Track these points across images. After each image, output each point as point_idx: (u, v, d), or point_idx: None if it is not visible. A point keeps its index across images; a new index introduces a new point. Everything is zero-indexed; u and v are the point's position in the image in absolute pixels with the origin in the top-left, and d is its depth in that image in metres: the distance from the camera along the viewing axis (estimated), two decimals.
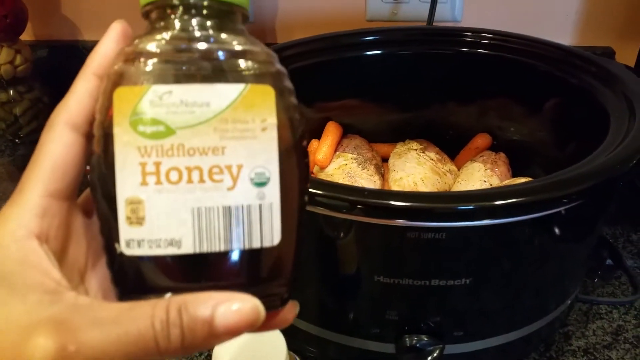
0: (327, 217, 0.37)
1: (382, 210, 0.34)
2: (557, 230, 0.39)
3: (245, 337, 0.34)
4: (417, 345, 0.41)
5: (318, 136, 0.58)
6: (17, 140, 0.87)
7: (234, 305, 0.20)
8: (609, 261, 0.57)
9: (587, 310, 0.52)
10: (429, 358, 0.42)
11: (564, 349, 0.49)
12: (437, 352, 0.41)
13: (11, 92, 0.84)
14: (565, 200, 0.35)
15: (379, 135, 0.60)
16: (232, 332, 0.20)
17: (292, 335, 0.46)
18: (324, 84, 0.56)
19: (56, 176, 0.22)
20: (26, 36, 0.87)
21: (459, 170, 0.56)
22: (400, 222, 0.35)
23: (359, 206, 0.34)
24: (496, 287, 0.40)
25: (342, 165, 0.54)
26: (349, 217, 0.36)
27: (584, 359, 0.48)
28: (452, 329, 0.41)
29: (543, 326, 0.45)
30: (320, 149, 0.56)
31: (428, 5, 0.69)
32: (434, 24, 0.72)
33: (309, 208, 0.36)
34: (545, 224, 0.37)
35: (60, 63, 0.90)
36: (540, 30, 0.76)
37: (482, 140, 0.57)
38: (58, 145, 0.23)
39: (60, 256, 0.22)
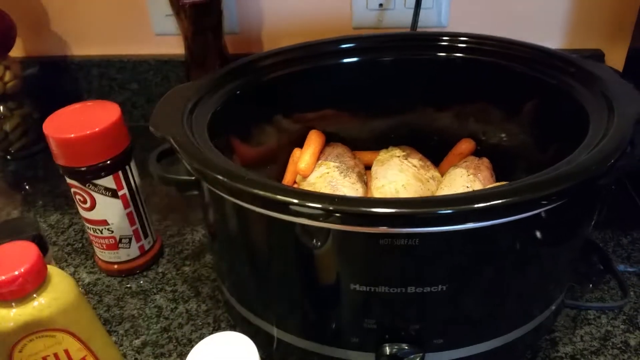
0: (301, 225, 0.36)
1: (352, 217, 0.34)
2: (538, 234, 0.38)
3: (217, 350, 0.34)
4: (398, 354, 0.41)
5: (300, 145, 0.58)
6: (7, 157, 0.87)
7: None
8: (599, 266, 0.57)
9: (575, 315, 0.52)
10: None
11: (551, 355, 0.48)
12: None
13: (1, 108, 0.84)
14: (542, 202, 0.35)
15: (363, 143, 0.60)
16: None
17: (275, 348, 0.46)
18: (304, 92, 0.55)
19: None
20: (16, 52, 0.88)
21: (442, 176, 0.55)
22: (372, 229, 0.34)
23: (329, 213, 0.34)
24: (475, 293, 0.39)
25: (324, 173, 0.54)
26: (321, 224, 0.35)
27: None
28: (432, 336, 0.40)
29: (527, 332, 0.44)
30: (303, 158, 0.55)
31: (412, 12, 0.69)
32: (420, 29, 0.72)
33: (285, 218, 0.36)
34: (524, 227, 0.37)
35: (50, 79, 0.91)
36: (528, 33, 0.75)
37: (465, 145, 0.56)
38: None
39: None
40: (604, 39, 0.77)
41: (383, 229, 0.34)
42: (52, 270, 0.39)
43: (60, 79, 0.91)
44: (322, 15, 0.79)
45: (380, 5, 0.75)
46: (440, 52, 0.53)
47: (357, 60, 0.54)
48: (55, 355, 0.38)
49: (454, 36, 0.52)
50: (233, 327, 0.53)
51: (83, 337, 0.39)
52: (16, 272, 0.36)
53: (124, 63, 0.87)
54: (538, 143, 0.51)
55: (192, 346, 0.52)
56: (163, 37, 0.86)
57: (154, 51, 0.87)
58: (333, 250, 0.37)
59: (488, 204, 0.33)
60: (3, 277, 0.35)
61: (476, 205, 0.32)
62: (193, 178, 0.45)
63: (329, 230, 0.36)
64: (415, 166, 0.53)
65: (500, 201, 0.33)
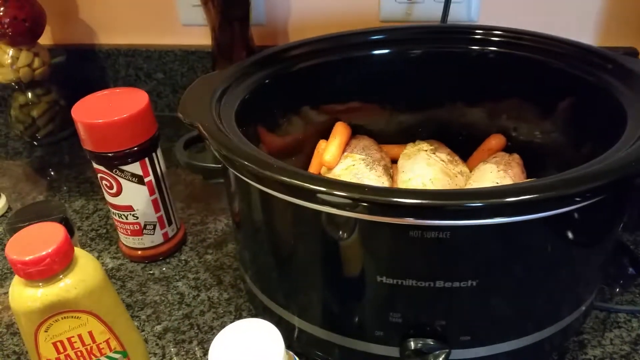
0: (329, 215, 0.36)
1: (381, 207, 0.33)
2: (568, 232, 0.37)
3: (241, 337, 0.34)
4: (422, 349, 0.40)
5: (326, 136, 0.57)
6: (34, 142, 0.88)
7: None
8: (630, 269, 0.55)
9: (605, 318, 0.50)
10: None
11: (578, 357, 0.47)
12: (443, 356, 0.40)
13: (29, 94, 0.85)
14: (576, 199, 0.34)
15: (389, 136, 0.59)
16: None
17: (297, 338, 0.45)
18: (332, 83, 0.55)
19: None
20: (45, 40, 0.88)
21: (471, 172, 0.54)
22: (401, 220, 0.34)
23: (358, 203, 0.33)
24: (504, 290, 0.38)
25: (349, 166, 0.53)
26: (350, 214, 0.35)
27: None
28: (459, 333, 0.40)
29: (555, 333, 0.43)
30: (328, 150, 0.55)
31: (442, 5, 0.68)
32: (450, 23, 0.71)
33: (312, 206, 0.35)
34: (555, 224, 0.36)
35: (77, 67, 0.92)
36: (560, 30, 0.73)
37: (495, 141, 0.55)
38: None
39: None
40: (638, 36, 0.75)
41: (413, 221, 0.33)
42: (79, 252, 0.39)
43: (88, 67, 0.91)
44: (349, 7, 0.78)
45: None
46: (473, 46, 0.52)
47: (387, 52, 0.53)
48: (79, 336, 0.39)
49: (488, 30, 0.51)
50: (255, 316, 0.53)
51: (107, 320, 0.39)
52: (44, 252, 0.36)
53: (151, 53, 0.87)
54: (572, 141, 0.50)
55: (214, 334, 0.52)
56: (190, 28, 0.86)
57: (181, 41, 0.87)
58: (361, 241, 0.36)
59: (521, 198, 0.32)
60: (31, 257, 0.35)
61: (509, 199, 0.32)
62: (219, 166, 0.45)
63: (357, 220, 0.35)
64: (443, 160, 0.52)
65: (532, 196, 0.32)
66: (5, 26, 0.79)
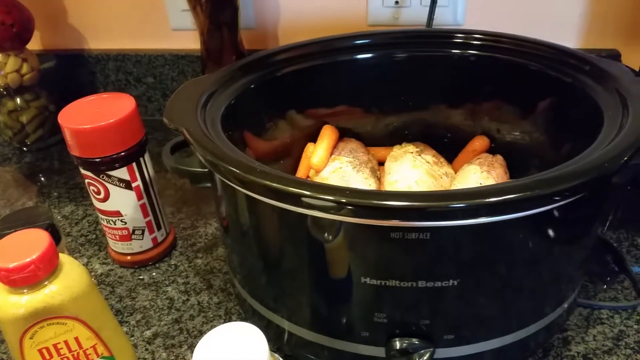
0: (313, 218, 0.37)
1: (362, 210, 0.34)
2: (549, 230, 0.38)
3: (226, 340, 0.34)
4: (407, 348, 0.41)
5: (314, 140, 0.58)
6: (24, 148, 0.88)
7: None
8: (613, 266, 0.56)
9: (588, 315, 0.51)
10: None
11: (562, 354, 0.48)
12: (427, 355, 0.41)
13: (18, 100, 0.85)
14: (554, 198, 0.35)
15: (377, 139, 0.60)
16: None
17: (286, 341, 0.46)
18: (318, 88, 0.56)
19: None
20: (34, 45, 0.89)
21: (456, 173, 0.55)
22: (383, 222, 0.34)
23: (340, 206, 0.34)
24: (486, 289, 0.39)
25: (337, 168, 0.54)
26: (333, 217, 0.35)
27: None
28: (443, 332, 0.40)
29: (539, 330, 0.44)
30: (316, 153, 0.55)
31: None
32: (436, 27, 0.71)
33: (297, 210, 0.36)
34: (535, 223, 0.36)
35: (66, 72, 0.92)
36: (544, 33, 0.75)
37: (479, 142, 0.56)
38: None
39: None
40: (620, 38, 0.76)
41: (395, 222, 0.34)
42: (64, 258, 0.40)
43: (77, 72, 0.92)
44: (338, 12, 0.79)
45: (396, 2, 0.75)
46: (454, 49, 0.52)
47: (371, 56, 0.54)
48: (66, 342, 0.39)
49: (469, 33, 0.52)
50: (244, 320, 0.53)
51: (94, 326, 0.40)
52: (28, 259, 0.36)
53: (140, 57, 0.87)
54: (552, 141, 0.51)
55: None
56: (179, 32, 0.86)
57: (170, 46, 0.87)
58: (345, 243, 0.37)
59: (500, 198, 0.33)
60: (15, 264, 0.36)
61: (488, 200, 0.32)
62: (206, 170, 0.46)
63: (340, 223, 0.36)
64: (428, 162, 0.53)
65: (512, 196, 0.33)
66: None
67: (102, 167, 0.54)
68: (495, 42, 0.51)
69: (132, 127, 0.54)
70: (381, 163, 0.58)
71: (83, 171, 0.56)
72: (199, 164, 0.47)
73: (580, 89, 0.46)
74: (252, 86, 0.50)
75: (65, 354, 0.39)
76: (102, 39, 0.90)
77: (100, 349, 0.41)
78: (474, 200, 0.32)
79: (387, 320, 0.40)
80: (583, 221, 0.40)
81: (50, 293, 0.37)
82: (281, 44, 0.84)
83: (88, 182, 0.56)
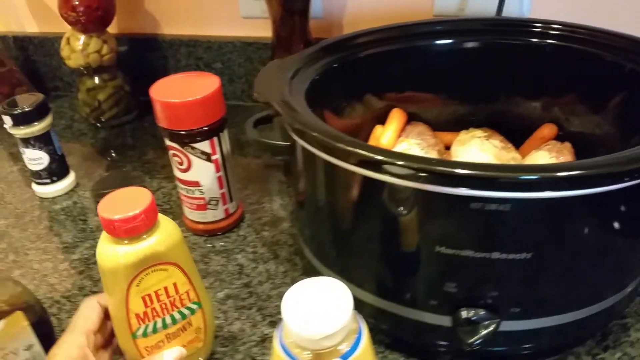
0: (397, 187, 0.39)
1: (448, 179, 0.36)
2: (621, 211, 0.39)
3: (313, 292, 0.36)
4: (474, 318, 0.43)
5: (382, 122, 0.60)
6: (98, 125, 0.94)
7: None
8: None
9: None
10: (484, 332, 0.43)
11: (621, 339, 0.49)
12: (493, 326, 0.43)
13: (96, 79, 0.91)
14: (627, 178, 0.36)
15: (442, 124, 0.62)
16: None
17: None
18: (393, 71, 0.58)
19: (93, 323, 0.44)
20: (112, 29, 0.94)
21: (522, 159, 0.56)
22: (465, 191, 0.36)
23: (425, 174, 0.36)
24: (555, 265, 0.40)
25: (405, 150, 0.56)
26: (416, 185, 0.37)
27: None
28: (510, 304, 0.42)
29: (599, 312, 0.45)
30: (385, 134, 0.58)
31: (495, 0, 0.70)
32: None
33: (380, 178, 0.38)
34: (608, 202, 0.38)
35: (140, 55, 0.97)
36: (613, 24, 0.74)
37: (547, 130, 0.57)
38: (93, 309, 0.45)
39: None
40: None
41: (476, 193, 0.36)
42: (159, 215, 0.44)
43: (150, 56, 0.97)
44: (404, 2, 0.81)
45: None
46: (532, 39, 0.54)
47: (449, 42, 0.56)
48: (165, 289, 0.43)
49: (547, 23, 0.53)
50: None
51: (188, 271, 0.44)
52: (138, 211, 0.40)
53: (211, 43, 0.92)
54: (622, 132, 0.52)
55: (272, 302, 0.56)
56: (248, 20, 0.90)
57: (239, 33, 0.91)
58: (424, 212, 0.39)
59: (583, 172, 0.35)
60: (130, 214, 0.39)
61: (573, 172, 0.34)
62: (287, 143, 0.49)
63: (422, 192, 0.38)
64: (496, 147, 0.55)
65: (586, 171, 0.35)
66: (80, 14, 0.85)
67: (186, 139, 0.58)
68: (572, 32, 0.52)
69: (216, 103, 0.58)
70: (447, 148, 0.60)
71: (169, 142, 0.60)
72: (281, 137, 0.50)
73: None
74: (335, 66, 0.53)
75: (163, 300, 0.43)
76: (175, 25, 0.95)
77: (192, 294, 0.45)
78: (557, 173, 0.34)
79: (457, 289, 0.42)
80: None
81: (156, 241, 0.41)
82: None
83: (172, 154, 0.60)
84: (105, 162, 0.84)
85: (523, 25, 0.55)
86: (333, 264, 0.49)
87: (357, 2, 0.84)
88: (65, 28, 0.90)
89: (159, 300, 0.43)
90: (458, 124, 0.61)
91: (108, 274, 0.42)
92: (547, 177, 0.34)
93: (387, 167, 0.38)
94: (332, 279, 0.38)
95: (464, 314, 0.43)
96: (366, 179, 0.40)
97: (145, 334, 0.44)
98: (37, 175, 0.75)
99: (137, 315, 0.43)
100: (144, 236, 0.41)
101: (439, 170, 0.36)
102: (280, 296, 0.56)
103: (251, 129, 0.53)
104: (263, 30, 0.89)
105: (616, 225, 0.40)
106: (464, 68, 0.57)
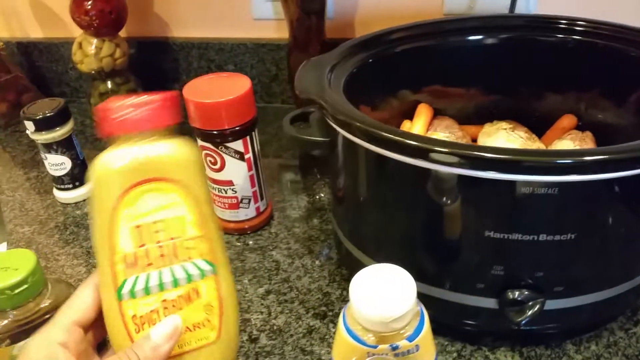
0: (448, 175, 0.41)
1: (503, 165, 0.38)
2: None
3: (379, 278, 0.38)
4: (521, 299, 0.45)
5: (409, 118, 0.62)
6: None
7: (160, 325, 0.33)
8: None
9: None
10: (531, 311, 0.45)
11: None
12: (539, 306, 0.45)
13: (109, 83, 0.91)
14: None
15: (464, 118, 0.64)
16: (166, 338, 0.32)
17: None
18: (424, 67, 0.60)
19: (79, 313, 0.35)
20: (121, 33, 0.95)
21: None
22: (518, 177, 0.39)
23: (484, 163, 0.38)
24: (597, 244, 0.43)
25: None
26: (471, 173, 0.39)
27: None
28: (554, 284, 0.44)
29: (629, 290, 0.47)
30: (413, 129, 0.60)
31: None
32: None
33: (430, 166, 0.40)
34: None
35: (151, 58, 0.98)
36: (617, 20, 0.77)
37: (567, 120, 0.60)
38: (84, 297, 0.35)
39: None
40: None
41: (528, 178, 0.38)
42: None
43: (161, 59, 0.98)
44: (413, 1, 0.83)
45: None
46: (558, 34, 0.57)
47: (480, 38, 0.59)
48: (166, 224, 0.32)
49: (572, 20, 0.56)
50: (347, 281, 0.58)
51: (200, 209, 0.33)
52: (138, 100, 0.32)
53: (223, 45, 0.93)
54: None
55: (312, 295, 0.57)
56: (260, 22, 0.91)
57: (251, 35, 0.92)
58: (478, 198, 0.41)
59: (629, 155, 0.37)
60: (137, 100, 0.32)
61: (619, 155, 0.37)
62: (326, 139, 0.51)
63: (472, 178, 0.40)
64: (522, 137, 0.57)
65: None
66: (93, 17, 0.85)
67: (218, 139, 0.60)
68: (596, 28, 0.55)
69: (247, 103, 0.60)
70: (473, 140, 0.62)
71: (202, 142, 0.61)
72: (318, 134, 0.52)
73: None
74: (370, 60, 0.55)
75: (161, 240, 0.32)
76: (186, 27, 0.96)
77: (204, 246, 0.33)
78: (604, 156, 0.37)
79: (504, 272, 0.44)
80: None
81: (164, 148, 0.32)
82: (357, 33, 0.89)
83: (205, 153, 0.61)
84: None
85: (550, 22, 0.57)
86: (376, 254, 0.51)
87: (367, 2, 0.86)
88: (72, 32, 0.90)
89: (155, 240, 0.32)
90: (479, 117, 0.63)
91: (95, 188, 0.32)
92: (600, 160, 0.37)
93: (435, 155, 0.39)
94: (393, 265, 0.40)
95: (511, 295, 0.45)
96: (417, 168, 0.42)
97: (133, 294, 0.32)
98: (59, 181, 0.76)
99: (125, 258, 0.32)
100: (155, 136, 0.32)
101: (501, 159, 0.38)
102: (319, 289, 0.58)
103: (288, 126, 0.54)
104: (275, 31, 0.90)
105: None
106: (492, 63, 0.59)
